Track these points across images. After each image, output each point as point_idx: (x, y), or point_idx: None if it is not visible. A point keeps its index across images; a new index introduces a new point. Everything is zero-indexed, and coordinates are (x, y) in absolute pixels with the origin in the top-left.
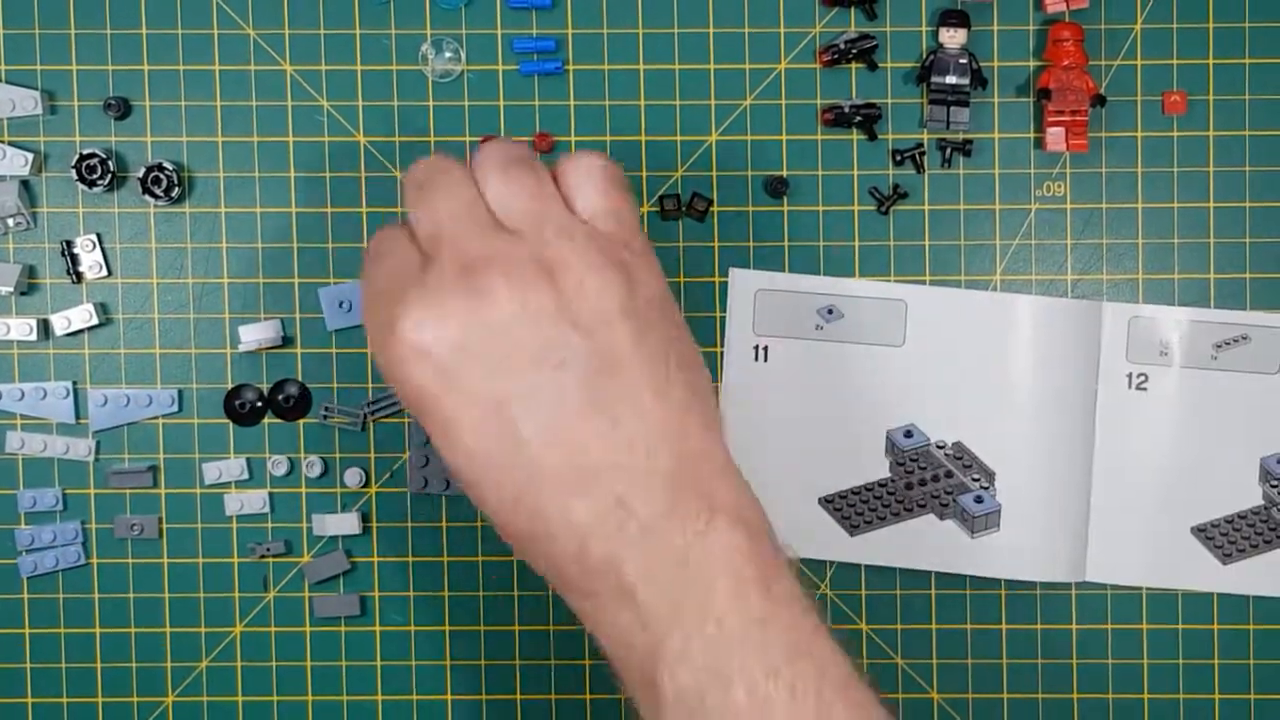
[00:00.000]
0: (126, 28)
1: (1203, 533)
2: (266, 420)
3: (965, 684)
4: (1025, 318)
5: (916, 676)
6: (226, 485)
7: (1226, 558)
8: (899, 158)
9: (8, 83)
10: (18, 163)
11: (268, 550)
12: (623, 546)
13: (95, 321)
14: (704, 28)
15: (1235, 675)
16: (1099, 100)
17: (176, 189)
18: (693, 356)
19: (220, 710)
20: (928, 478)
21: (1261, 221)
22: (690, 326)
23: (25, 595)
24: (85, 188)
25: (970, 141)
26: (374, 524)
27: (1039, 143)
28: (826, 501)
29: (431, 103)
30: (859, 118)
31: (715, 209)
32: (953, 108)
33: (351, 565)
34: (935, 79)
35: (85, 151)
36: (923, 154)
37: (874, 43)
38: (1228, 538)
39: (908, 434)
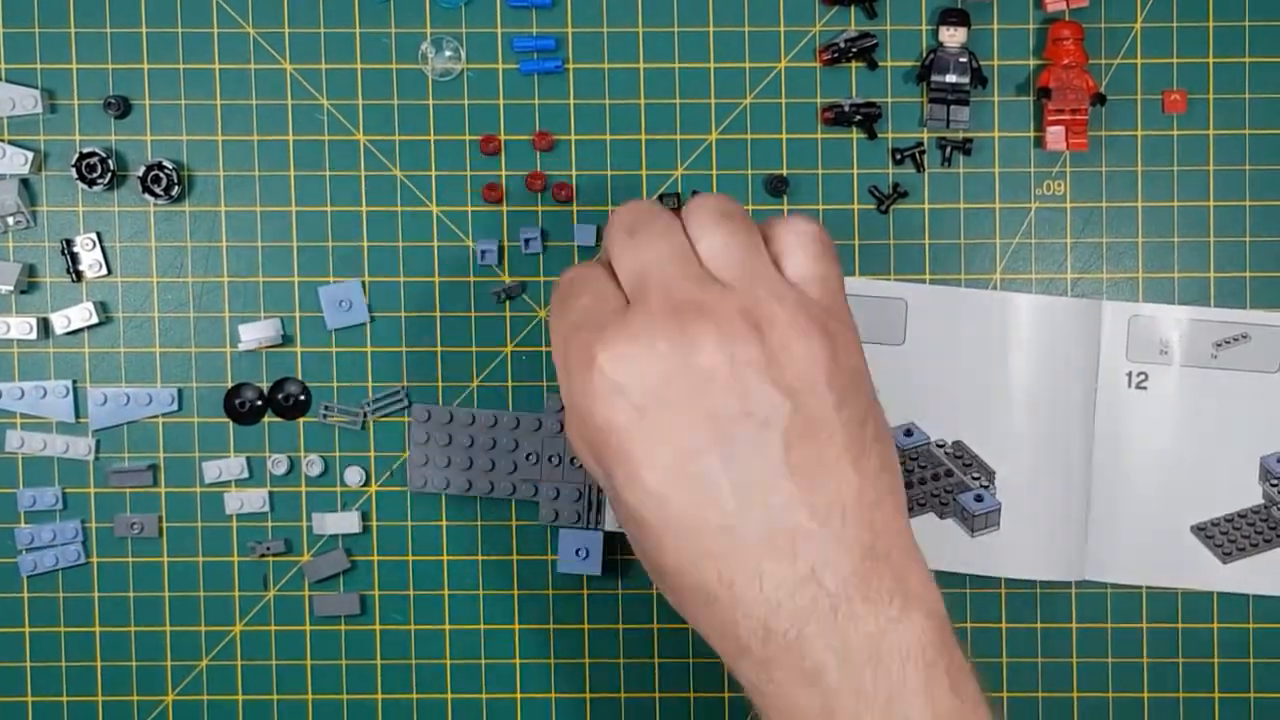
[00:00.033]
0: (126, 26)
1: (1202, 531)
2: (266, 419)
3: None
4: (1025, 317)
5: None
6: (226, 484)
7: (1226, 556)
8: (899, 156)
9: (8, 81)
10: (18, 161)
11: (268, 549)
12: (813, 624)
13: (95, 320)
14: (704, 26)
15: (1235, 674)
16: (1099, 99)
17: (176, 188)
18: (886, 431)
19: (220, 709)
20: (927, 476)
21: (1261, 220)
22: None
23: (25, 594)
24: (85, 186)
25: (970, 140)
26: (374, 523)
27: (1039, 141)
28: None
29: (431, 101)
30: (859, 116)
31: None
32: (953, 106)
33: (351, 564)
34: (935, 78)
35: (85, 150)
36: (923, 153)
37: (874, 41)
38: (1228, 536)
39: (907, 433)
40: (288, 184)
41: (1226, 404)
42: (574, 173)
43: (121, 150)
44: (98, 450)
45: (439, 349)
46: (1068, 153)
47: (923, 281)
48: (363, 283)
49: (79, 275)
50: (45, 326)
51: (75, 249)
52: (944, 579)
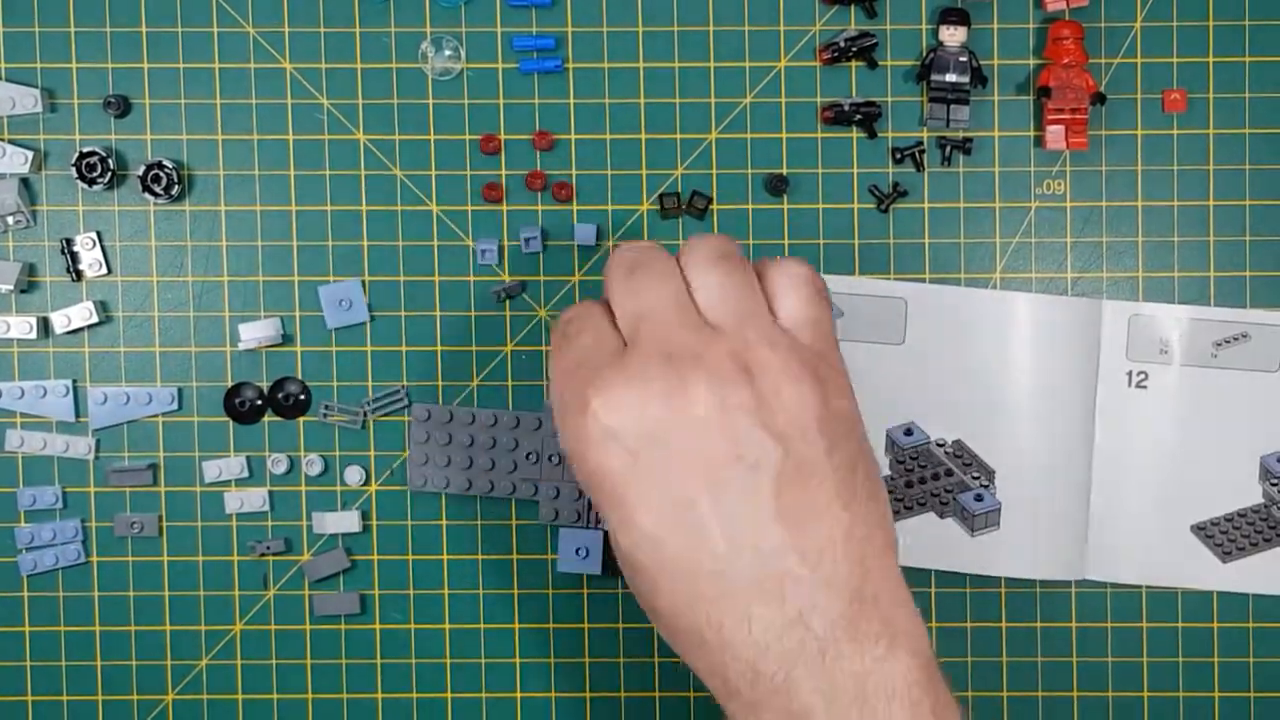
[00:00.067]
0: (126, 26)
1: (1202, 531)
2: (266, 418)
3: (965, 682)
4: (1025, 316)
5: None
6: (226, 483)
7: (1226, 556)
8: (899, 156)
9: (7, 80)
10: (17, 160)
11: (268, 548)
12: (801, 666)
13: (95, 319)
14: (704, 26)
15: (1235, 673)
16: (1099, 98)
17: (176, 187)
18: (876, 475)
19: (220, 708)
20: (927, 476)
21: (1261, 219)
22: None
23: (25, 593)
24: (85, 186)
25: (970, 140)
26: (374, 522)
27: (1039, 141)
28: None
29: (431, 101)
30: (859, 116)
31: (715, 207)
32: (953, 106)
33: (351, 563)
34: (935, 77)
35: (85, 149)
36: (922, 152)
37: (874, 41)
38: (1227, 536)
39: (908, 432)
40: (288, 183)
41: (1226, 403)
42: (574, 172)
43: (121, 149)
44: (98, 449)
45: (439, 348)
46: (1068, 152)
47: (923, 281)
48: (363, 282)
49: (79, 274)
50: (45, 326)
51: (75, 248)
52: (944, 579)
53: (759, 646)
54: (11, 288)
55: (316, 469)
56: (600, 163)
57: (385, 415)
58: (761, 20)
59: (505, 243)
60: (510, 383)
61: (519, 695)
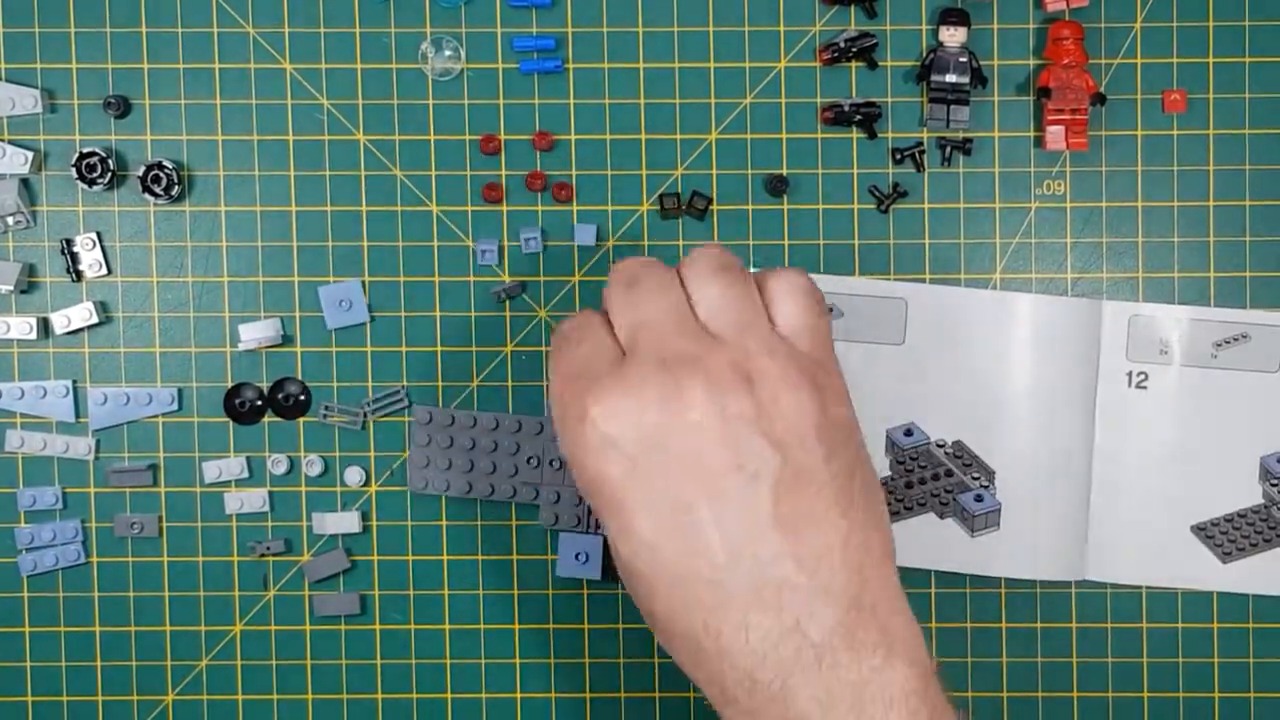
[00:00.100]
0: (126, 26)
1: (1202, 531)
2: (266, 419)
3: (965, 682)
4: (1025, 316)
5: None
6: (226, 484)
7: (1226, 556)
8: (899, 156)
9: (7, 81)
10: (17, 161)
11: (268, 549)
12: (798, 674)
13: (95, 320)
14: (704, 26)
15: (1235, 674)
16: (1099, 99)
17: (176, 187)
18: (874, 482)
19: (220, 709)
20: (927, 476)
21: (1261, 220)
22: None
23: (25, 594)
24: (85, 186)
25: (970, 140)
26: (374, 522)
27: (1039, 141)
28: None
29: (431, 101)
30: (859, 116)
31: (715, 207)
32: (953, 106)
33: (351, 564)
34: (935, 77)
35: (85, 150)
36: (922, 152)
37: (874, 41)
38: (1228, 536)
39: (907, 432)
40: (288, 184)
41: (1226, 404)
42: (574, 172)
43: (121, 150)
44: (98, 450)
45: (439, 349)
46: (1068, 152)
47: (923, 281)
48: (363, 282)
49: (79, 275)
50: (45, 326)
51: (75, 249)
52: (944, 579)
53: (756, 654)
54: (11, 288)
55: (316, 469)
56: (600, 163)
57: (385, 416)
58: (761, 21)
59: (505, 243)
60: (510, 383)
61: (519, 696)
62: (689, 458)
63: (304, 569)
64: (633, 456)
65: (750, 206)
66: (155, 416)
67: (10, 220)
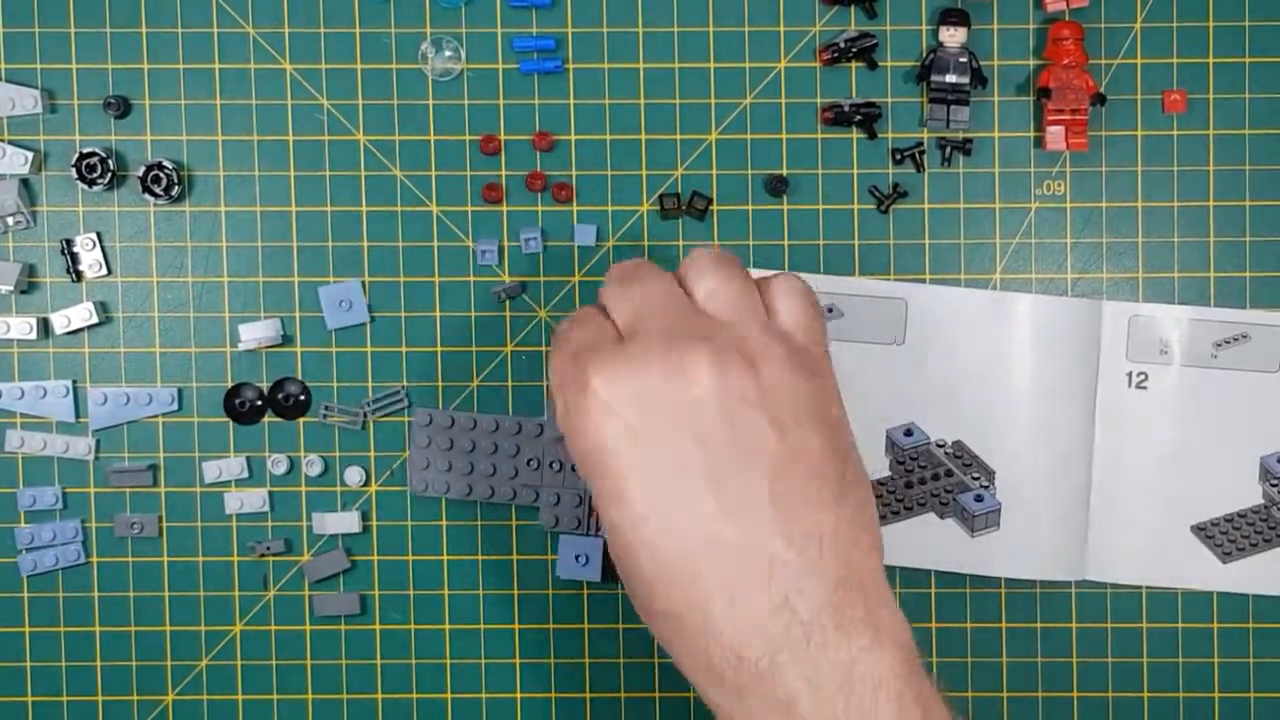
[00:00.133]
0: (126, 26)
1: (1202, 531)
2: (266, 419)
3: (965, 683)
4: (1025, 317)
5: None
6: (226, 484)
7: (1226, 556)
8: (899, 156)
9: (8, 81)
10: (17, 161)
11: (268, 549)
12: (786, 651)
13: (95, 320)
14: (704, 26)
15: (1235, 674)
16: (1099, 99)
17: (176, 188)
18: (864, 482)
19: (220, 709)
20: (927, 476)
21: (1261, 220)
22: None
23: (25, 594)
24: (85, 186)
25: (970, 140)
26: (374, 522)
27: (1039, 141)
28: None
29: (431, 101)
30: (859, 116)
31: (715, 208)
32: (953, 106)
33: (351, 564)
34: (935, 78)
35: (85, 150)
36: (922, 153)
37: (874, 41)
38: (1228, 536)
39: (908, 433)
40: (288, 184)
41: (1226, 404)
42: (574, 173)
43: (121, 150)
44: (98, 450)
45: (439, 349)
46: (1068, 153)
47: (923, 281)
48: (363, 283)
49: (79, 275)
50: (45, 326)
51: (75, 249)
52: (944, 579)
53: (744, 630)
54: (12, 288)
55: (316, 469)
56: (600, 163)
57: (385, 416)
58: (761, 21)
59: (505, 243)
60: (510, 383)
61: (519, 696)
62: (687, 431)
63: (304, 569)
64: (632, 424)
65: (750, 207)
66: (155, 416)
67: (10, 220)
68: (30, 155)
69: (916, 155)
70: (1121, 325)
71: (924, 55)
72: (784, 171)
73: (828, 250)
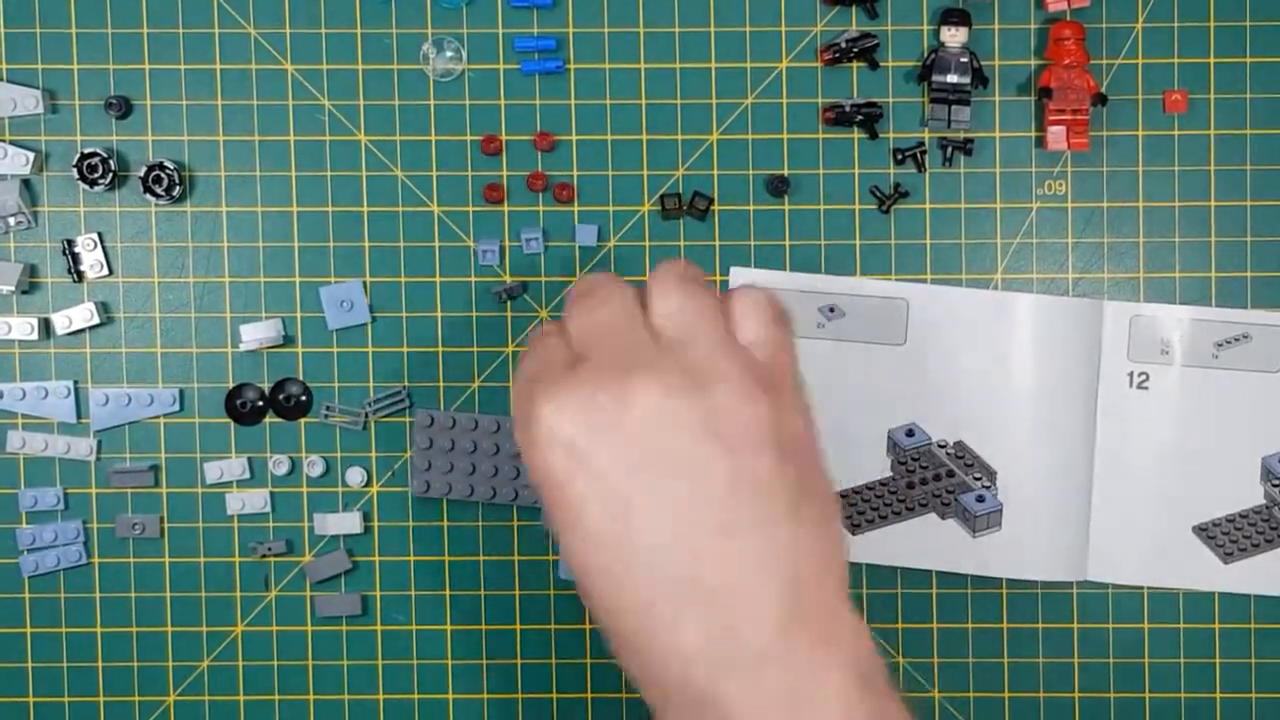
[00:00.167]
0: (127, 27)
1: (1204, 532)
2: (268, 419)
3: (966, 683)
4: (1026, 317)
5: (918, 675)
6: (228, 484)
7: (1228, 557)
8: (900, 156)
9: (9, 81)
10: (19, 162)
11: (269, 550)
12: (729, 679)
13: (96, 321)
14: (705, 27)
15: (1236, 674)
16: (1100, 99)
17: (178, 188)
18: (826, 494)
19: (222, 709)
20: (929, 477)
21: (1262, 220)
22: None
23: (26, 594)
24: (86, 187)
25: (971, 140)
26: (375, 523)
27: (1040, 141)
28: None
29: (432, 102)
30: (860, 116)
31: (716, 208)
32: (954, 106)
33: (353, 564)
34: (936, 78)
35: (86, 150)
36: (924, 153)
37: (875, 41)
38: (1229, 537)
39: (909, 433)
40: (289, 184)
41: (1228, 404)
42: (575, 173)
43: (123, 150)
44: (99, 451)
45: (440, 349)
46: (1069, 153)
47: (924, 281)
48: (364, 283)
49: (80, 275)
50: (46, 327)
51: (76, 249)
52: (945, 579)
53: (689, 655)
54: (13, 289)
55: (318, 470)
56: (601, 164)
57: (386, 416)
58: (762, 21)
59: (506, 243)
60: (511, 384)
61: (520, 696)
62: (635, 457)
63: (305, 570)
64: (579, 452)
65: (751, 207)
66: (156, 417)
67: (11, 221)
68: (31, 156)
69: (918, 155)
70: (1123, 325)
71: (925, 55)
72: (785, 172)
73: (829, 250)
